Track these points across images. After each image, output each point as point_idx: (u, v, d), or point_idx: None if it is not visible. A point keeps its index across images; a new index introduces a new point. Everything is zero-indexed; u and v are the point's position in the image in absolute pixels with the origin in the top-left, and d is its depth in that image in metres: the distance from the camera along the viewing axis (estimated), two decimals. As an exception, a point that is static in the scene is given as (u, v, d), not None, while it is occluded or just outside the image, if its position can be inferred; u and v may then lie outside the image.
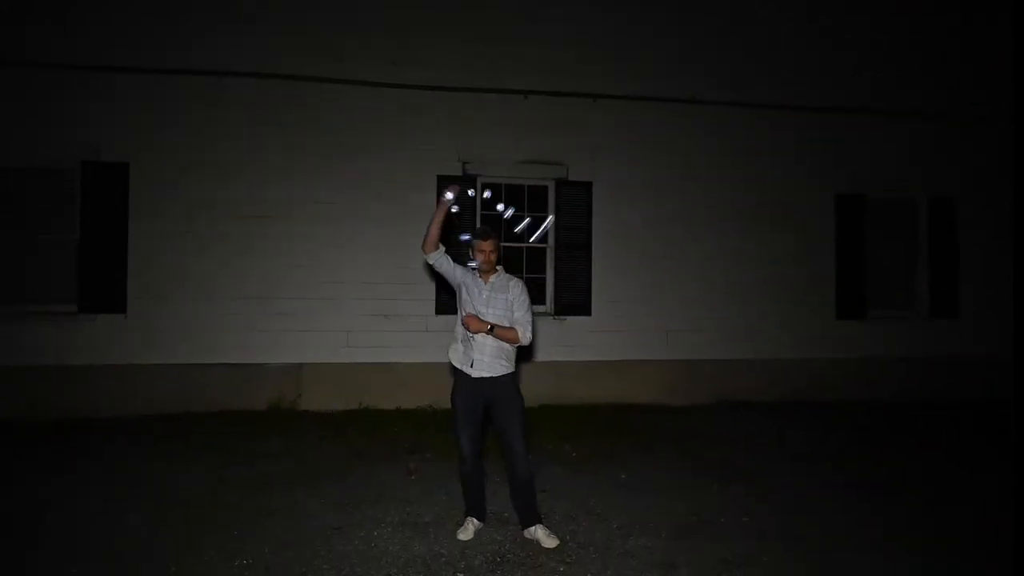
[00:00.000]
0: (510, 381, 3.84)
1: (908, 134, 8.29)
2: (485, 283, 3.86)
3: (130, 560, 3.55)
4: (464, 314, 3.80)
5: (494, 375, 3.78)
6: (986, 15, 8.19)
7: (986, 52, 8.16)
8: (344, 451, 5.56)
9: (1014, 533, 3.30)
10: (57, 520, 4.03)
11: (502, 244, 4.02)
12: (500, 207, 4.49)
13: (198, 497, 4.44)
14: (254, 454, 5.39)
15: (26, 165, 6.61)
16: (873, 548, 3.83)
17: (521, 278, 4.07)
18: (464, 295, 3.86)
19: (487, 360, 3.77)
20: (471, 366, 3.78)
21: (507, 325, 3.77)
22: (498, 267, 3.89)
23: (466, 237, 3.94)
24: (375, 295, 7.10)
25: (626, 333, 7.62)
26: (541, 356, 7.23)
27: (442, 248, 3.88)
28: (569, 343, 7.46)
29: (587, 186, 7.56)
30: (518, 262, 7.41)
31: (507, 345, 3.82)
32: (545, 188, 7.59)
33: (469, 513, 3.96)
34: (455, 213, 3.92)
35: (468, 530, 3.89)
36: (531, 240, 4.74)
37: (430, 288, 7.10)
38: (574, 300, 7.51)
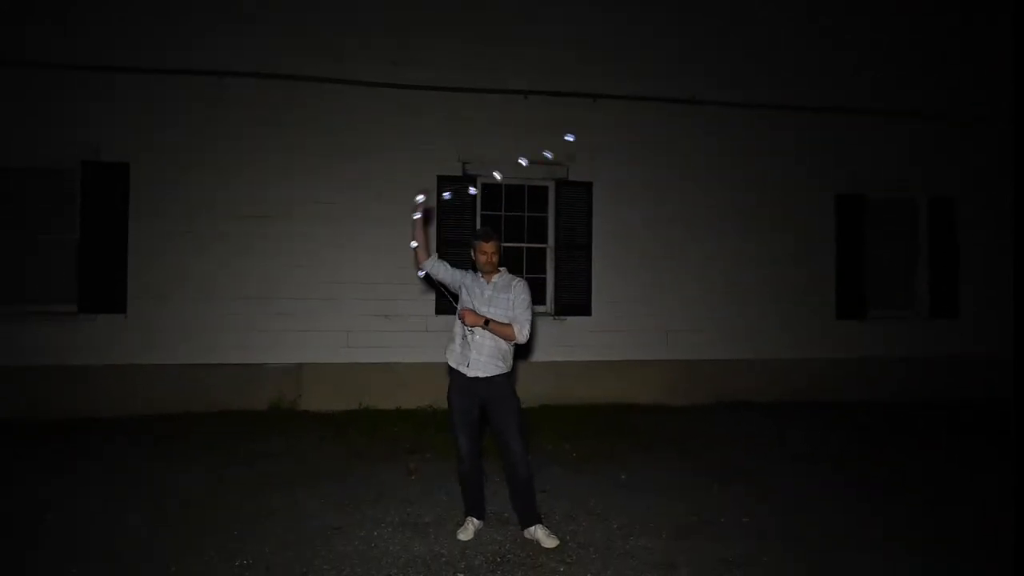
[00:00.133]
0: (505, 381, 3.83)
1: (908, 134, 8.29)
2: (488, 283, 3.87)
3: (130, 560, 3.55)
4: (461, 308, 3.81)
5: (489, 375, 3.78)
6: (986, 15, 8.19)
7: (986, 52, 8.16)
8: (344, 451, 5.57)
9: (1014, 533, 3.30)
10: (57, 520, 4.03)
11: (503, 244, 4.03)
12: (496, 175, 4.60)
13: (198, 497, 4.44)
14: (254, 454, 5.39)
15: (26, 165, 6.61)
16: (873, 548, 3.83)
17: (524, 279, 4.07)
18: (465, 295, 3.86)
19: (484, 360, 3.76)
20: (467, 366, 3.78)
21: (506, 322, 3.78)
22: (501, 268, 3.90)
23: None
24: (375, 295, 7.10)
25: (626, 333, 7.62)
26: (541, 356, 7.23)
27: (435, 255, 3.93)
28: (569, 343, 7.46)
29: (587, 186, 7.56)
30: (518, 262, 7.42)
31: (505, 345, 3.81)
32: (545, 188, 7.60)
33: (469, 513, 3.96)
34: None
35: (468, 530, 3.89)
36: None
37: (430, 288, 7.10)
38: (574, 300, 7.51)
